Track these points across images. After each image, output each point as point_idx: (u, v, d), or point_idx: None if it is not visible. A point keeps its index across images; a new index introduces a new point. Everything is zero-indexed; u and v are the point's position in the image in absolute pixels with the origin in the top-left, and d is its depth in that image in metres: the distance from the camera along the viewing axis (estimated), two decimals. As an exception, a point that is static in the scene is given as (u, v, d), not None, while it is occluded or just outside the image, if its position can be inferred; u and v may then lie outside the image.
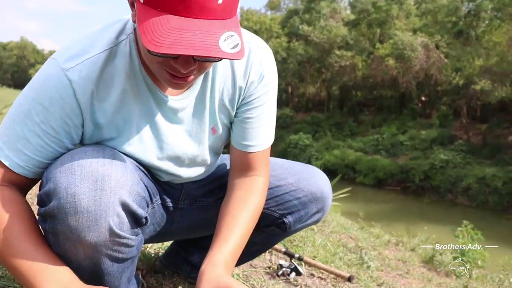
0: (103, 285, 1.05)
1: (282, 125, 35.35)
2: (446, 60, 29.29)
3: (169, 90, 1.10)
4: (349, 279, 2.13)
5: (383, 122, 31.85)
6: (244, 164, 1.25)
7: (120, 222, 0.96)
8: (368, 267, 2.81)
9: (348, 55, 33.29)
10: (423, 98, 33.22)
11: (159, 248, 1.97)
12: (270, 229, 1.39)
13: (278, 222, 1.38)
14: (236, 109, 1.21)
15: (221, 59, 0.92)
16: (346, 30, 35.28)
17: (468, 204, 20.17)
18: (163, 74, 0.96)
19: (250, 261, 2.07)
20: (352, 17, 37.26)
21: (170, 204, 1.31)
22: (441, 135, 26.19)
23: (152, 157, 1.15)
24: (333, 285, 2.14)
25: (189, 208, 1.36)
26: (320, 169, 1.48)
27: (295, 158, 27.13)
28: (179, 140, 1.17)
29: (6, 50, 76.41)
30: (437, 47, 29.74)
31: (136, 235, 1.04)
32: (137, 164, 1.13)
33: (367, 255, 3.09)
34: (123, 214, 0.97)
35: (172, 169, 1.21)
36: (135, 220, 1.02)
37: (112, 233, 0.95)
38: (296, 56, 35.25)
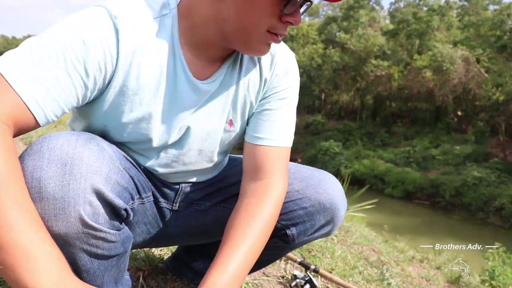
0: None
1: (313, 132, 35.23)
2: (486, 75, 28.51)
3: (197, 73, 1.03)
4: (367, 296, 2.01)
5: (416, 135, 31.29)
6: (255, 164, 1.13)
7: (94, 213, 0.85)
8: (389, 284, 2.67)
9: (385, 65, 32.85)
10: (459, 113, 32.44)
11: (165, 248, 1.90)
12: (273, 240, 1.23)
13: (281, 234, 1.25)
14: (258, 102, 1.15)
15: None
16: (384, 40, 34.88)
17: (501, 225, 19.48)
18: (265, 39, 0.99)
19: (263, 269, 1.98)
20: (391, 26, 36.80)
21: (164, 205, 1.20)
22: (476, 151, 25.47)
23: (162, 138, 1.06)
24: (349, 301, 2.02)
25: (184, 212, 1.25)
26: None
27: (324, 165, 26.94)
28: (197, 123, 1.08)
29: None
30: (478, 61, 29.02)
31: (118, 230, 0.94)
32: (125, 154, 1.03)
33: (389, 271, 2.94)
34: (97, 203, 0.86)
35: (176, 154, 1.11)
36: (114, 212, 0.91)
37: (84, 224, 0.84)
38: (331, 63, 34.99)
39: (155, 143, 1.06)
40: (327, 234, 1.32)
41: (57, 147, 0.84)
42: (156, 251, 1.84)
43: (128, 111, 0.99)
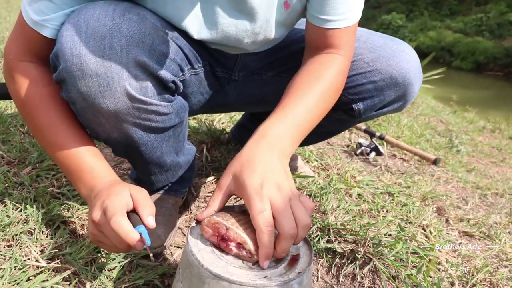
0: (142, 155, 0.97)
1: (374, 5, 33.17)
2: None
3: None
4: (435, 162, 1.96)
5: (490, -1, 28.58)
6: (322, 44, 0.99)
7: (141, 87, 0.82)
8: (458, 151, 2.60)
9: None
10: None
11: (226, 121, 1.90)
12: (337, 113, 1.15)
13: (347, 108, 1.15)
14: None
15: None
16: None
17: None
18: None
19: (328, 139, 1.95)
20: None
21: (222, 74, 1.13)
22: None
23: (203, 31, 0.96)
24: (416, 167, 1.98)
25: (244, 81, 1.16)
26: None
27: (387, 40, 25.68)
28: (242, 21, 0.96)
29: None
30: None
31: (170, 101, 0.91)
32: (172, 23, 0.95)
33: (458, 138, 2.84)
34: (143, 76, 0.82)
35: (225, 43, 1.02)
36: (162, 85, 0.88)
37: (132, 98, 0.82)
38: None
39: (196, 36, 0.96)
40: (397, 110, 1.22)
41: (94, 19, 0.78)
42: (218, 125, 1.85)
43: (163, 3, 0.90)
